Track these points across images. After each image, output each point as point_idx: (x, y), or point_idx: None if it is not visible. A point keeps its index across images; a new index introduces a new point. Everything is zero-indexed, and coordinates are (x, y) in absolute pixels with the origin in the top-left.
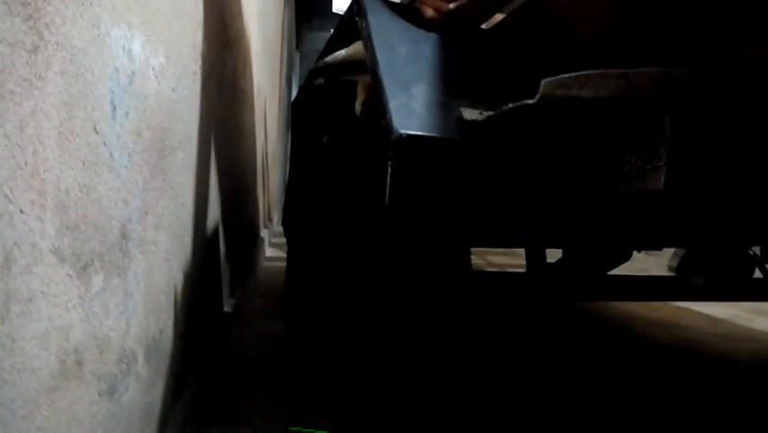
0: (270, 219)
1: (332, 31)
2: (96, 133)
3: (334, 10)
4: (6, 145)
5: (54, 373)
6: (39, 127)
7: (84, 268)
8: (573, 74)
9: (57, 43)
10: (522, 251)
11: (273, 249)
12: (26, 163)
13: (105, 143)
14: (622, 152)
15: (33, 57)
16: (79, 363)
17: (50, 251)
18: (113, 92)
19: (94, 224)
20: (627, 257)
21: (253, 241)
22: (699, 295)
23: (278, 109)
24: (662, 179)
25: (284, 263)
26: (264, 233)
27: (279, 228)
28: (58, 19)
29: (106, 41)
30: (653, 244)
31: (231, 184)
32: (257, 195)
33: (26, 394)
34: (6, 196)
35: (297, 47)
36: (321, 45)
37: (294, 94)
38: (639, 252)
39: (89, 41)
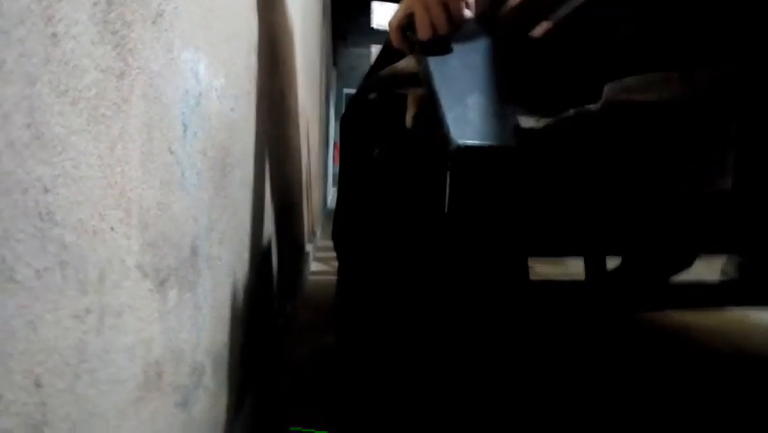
0: (314, 234)
1: (371, 47)
2: (171, 153)
3: (374, 25)
4: (100, 166)
5: (139, 385)
6: (125, 148)
7: (162, 283)
8: (636, 77)
9: (139, 68)
10: (567, 260)
11: (317, 263)
12: (116, 183)
13: (177, 163)
14: (687, 156)
15: (121, 82)
16: (159, 375)
17: (135, 266)
18: (183, 113)
19: (169, 240)
20: (690, 263)
21: (300, 255)
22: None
23: (318, 126)
24: (730, 180)
25: (329, 277)
26: (309, 247)
27: (322, 243)
28: (139, 44)
29: (178, 65)
30: (720, 249)
31: (280, 200)
32: (302, 210)
33: (117, 405)
34: (100, 214)
35: (334, 64)
36: (356, 62)
37: (331, 110)
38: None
39: (164, 65)
